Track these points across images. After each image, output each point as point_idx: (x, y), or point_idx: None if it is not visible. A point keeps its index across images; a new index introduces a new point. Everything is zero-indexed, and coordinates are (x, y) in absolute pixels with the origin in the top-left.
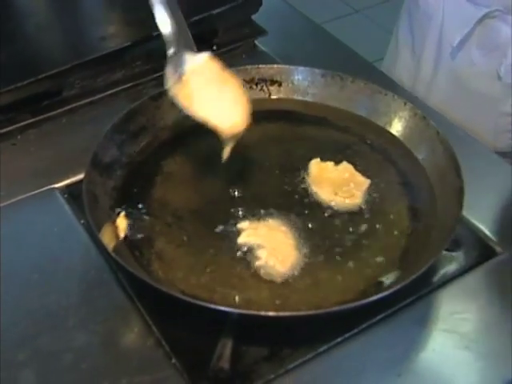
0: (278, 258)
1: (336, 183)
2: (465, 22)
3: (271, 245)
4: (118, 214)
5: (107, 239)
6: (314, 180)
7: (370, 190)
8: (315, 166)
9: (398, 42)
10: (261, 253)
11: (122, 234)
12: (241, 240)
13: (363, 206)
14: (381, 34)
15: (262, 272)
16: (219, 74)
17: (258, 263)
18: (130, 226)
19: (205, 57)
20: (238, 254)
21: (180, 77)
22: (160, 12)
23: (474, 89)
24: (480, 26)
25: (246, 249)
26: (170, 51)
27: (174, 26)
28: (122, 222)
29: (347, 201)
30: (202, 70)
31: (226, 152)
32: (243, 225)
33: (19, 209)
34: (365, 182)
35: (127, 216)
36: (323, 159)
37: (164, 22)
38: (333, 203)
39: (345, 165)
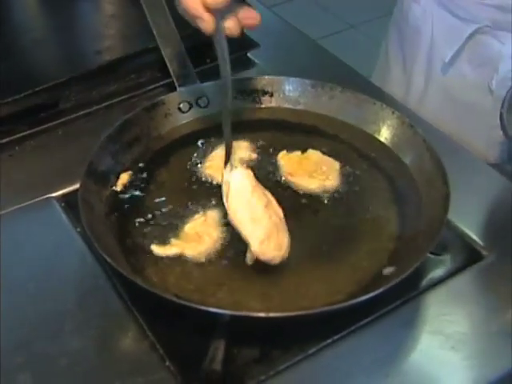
0: None
1: (309, 169)
2: (455, 37)
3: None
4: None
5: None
6: (287, 170)
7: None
8: (284, 158)
9: (388, 57)
10: None
11: (118, 188)
12: None
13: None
14: (376, 48)
15: None
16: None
17: None
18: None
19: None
20: None
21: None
22: None
23: (465, 102)
24: (471, 42)
25: None
26: None
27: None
28: (124, 177)
29: (326, 183)
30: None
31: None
32: None
33: (16, 218)
34: (335, 163)
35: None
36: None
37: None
38: (312, 187)
39: (311, 151)
